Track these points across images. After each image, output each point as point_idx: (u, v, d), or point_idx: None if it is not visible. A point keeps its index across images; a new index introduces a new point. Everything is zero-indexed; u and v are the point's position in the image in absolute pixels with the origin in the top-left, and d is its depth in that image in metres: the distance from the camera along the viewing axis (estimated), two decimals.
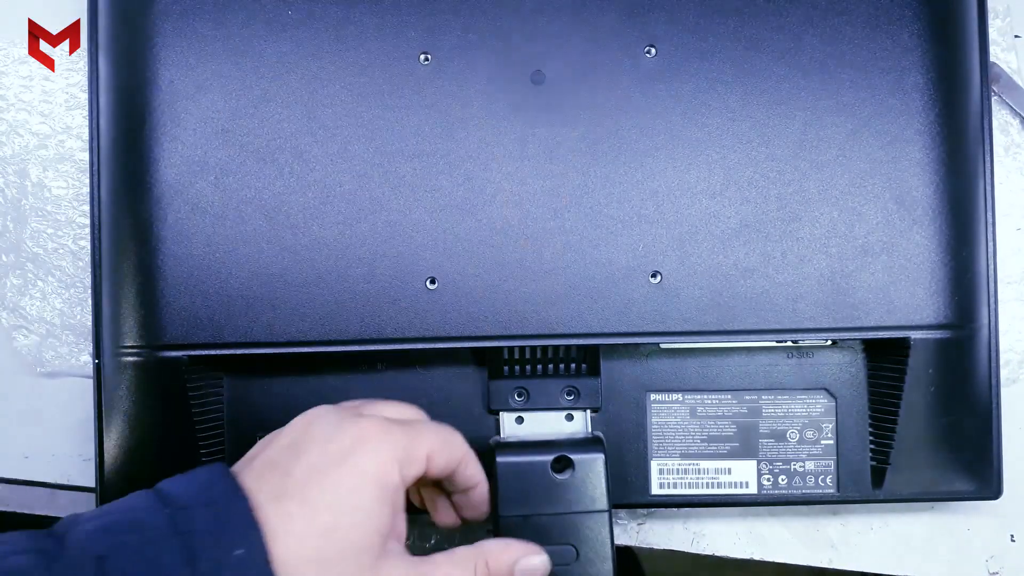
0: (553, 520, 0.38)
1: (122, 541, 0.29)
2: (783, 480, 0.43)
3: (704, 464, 0.43)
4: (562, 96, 0.41)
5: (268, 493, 0.31)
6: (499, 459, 0.39)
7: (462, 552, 0.34)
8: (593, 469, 0.39)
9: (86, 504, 0.48)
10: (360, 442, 0.32)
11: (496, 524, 0.38)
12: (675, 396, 0.43)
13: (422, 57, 0.41)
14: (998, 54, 0.47)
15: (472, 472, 0.37)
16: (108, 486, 0.41)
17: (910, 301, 0.40)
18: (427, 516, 0.39)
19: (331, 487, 0.31)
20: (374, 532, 0.32)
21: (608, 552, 0.38)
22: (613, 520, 0.39)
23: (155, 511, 0.30)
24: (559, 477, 0.39)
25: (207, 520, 0.30)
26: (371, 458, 0.32)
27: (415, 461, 0.33)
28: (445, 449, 0.35)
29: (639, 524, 0.46)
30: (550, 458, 0.39)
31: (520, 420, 0.42)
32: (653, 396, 0.43)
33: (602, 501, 0.38)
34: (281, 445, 0.33)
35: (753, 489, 0.43)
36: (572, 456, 0.39)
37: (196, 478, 0.32)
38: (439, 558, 0.34)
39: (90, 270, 0.44)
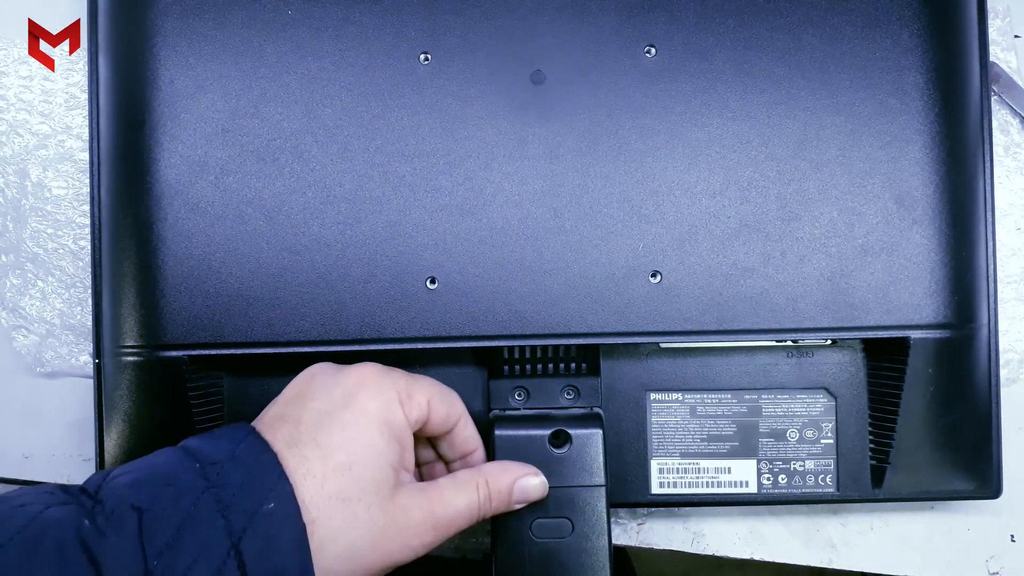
0: (549, 493, 0.38)
1: (158, 494, 0.30)
2: (783, 479, 0.43)
3: (704, 463, 0.43)
4: (562, 96, 0.41)
5: (282, 442, 0.32)
6: (497, 432, 0.39)
7: (463, 474, 0.36)
8: (591, 444, 0.39)
9: None
10: (361, 385, 0.34)
11: None
12: (675, 396, 0.43)
13: (422, 57, 0.41)
14: (998, 54, 0.47)
15: (470, 434, 0.38)
16: None
17: (910, 301, 0.40)
18: None
19: (340, 429, 0.33)
20: (386, 465, 0.33)
21: (604, 526, 0.38)
22: (609, 497, 0.39)
23: (187, 467, 0.31)
24: (557, 451, 0.39)
25: (238, 474, 0.31)
26: (373, 397, 0.34)
27: (416, 403, 0.35)
28: (444, 400, 0.36)
29: (639, 524, 0.46)
30: (548, 432, 0.39)
31: None
32: (653, 395, 0.43)
33: (599, 476, 0.39)
34: (287, 399, 0.35)
35: (753, 488, 0.43)
36: (570, 431, 0.39)
37: (222, 436, 0.33)
38: (443, 482, 0.35)
39: (90, 270, 0.44)
